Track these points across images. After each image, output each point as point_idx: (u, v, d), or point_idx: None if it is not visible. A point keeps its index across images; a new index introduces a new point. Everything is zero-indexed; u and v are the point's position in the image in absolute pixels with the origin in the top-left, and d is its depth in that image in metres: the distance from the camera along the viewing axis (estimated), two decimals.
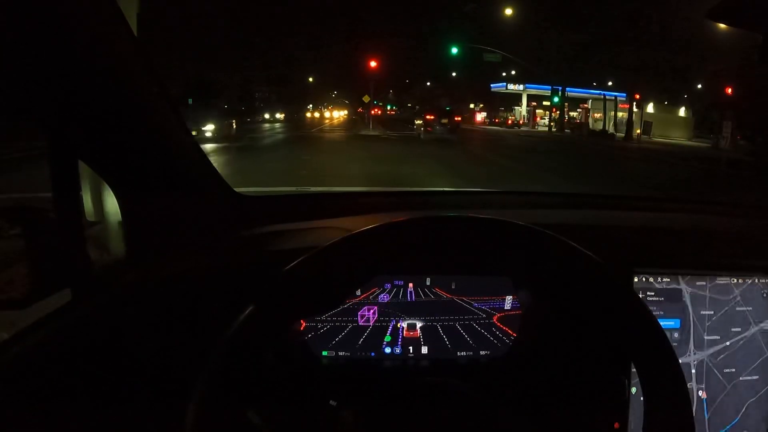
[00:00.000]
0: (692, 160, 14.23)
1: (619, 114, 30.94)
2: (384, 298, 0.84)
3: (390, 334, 0.85)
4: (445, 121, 17.39)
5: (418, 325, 0.85)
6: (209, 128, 13.76)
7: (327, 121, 41.02)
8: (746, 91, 17.52)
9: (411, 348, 0.85)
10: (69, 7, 0.50)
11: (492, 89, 39.01)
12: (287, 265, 0.49)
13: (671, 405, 0.49)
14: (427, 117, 17.60)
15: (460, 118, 21.10)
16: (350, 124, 33.69)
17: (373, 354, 0.85)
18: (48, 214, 0.67)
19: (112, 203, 0.84)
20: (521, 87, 36.19)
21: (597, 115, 33.35)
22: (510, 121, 38.25)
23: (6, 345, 0.63)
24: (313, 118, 46.14)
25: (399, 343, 0.85)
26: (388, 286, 0.84)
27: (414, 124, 20.75)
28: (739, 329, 0.86)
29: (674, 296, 0.85)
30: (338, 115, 51.16)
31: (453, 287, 0.85)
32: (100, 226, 0.90)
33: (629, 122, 25.36)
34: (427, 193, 1.45)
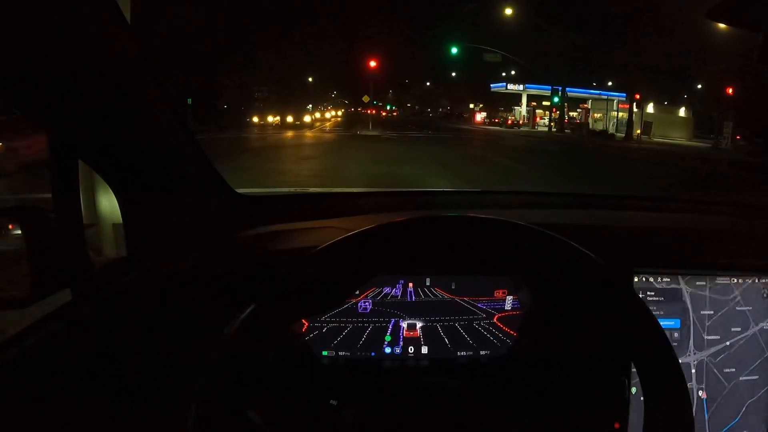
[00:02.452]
0: (692, 161, 14.23)
1: (619, 114, 30.98)
2: (383, 297, 0.84)
3: (390, 334, 0.85)
4: (383, 113, 53.82)
5: (418, 325, 0.85)
6: None
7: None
8: (746, 91, 17.51)
9: (411, 348, 0.85)
10: (69, 7, 0.50)
11: (492, 89, 39.07)
12: (287, 265, 0.49)
13: (671, 405, 0.49)
14: (382, 113, 50.14)
15: (396, 113, 62.83)
16: (347, 124, 31.90)
17: (373, 354, 0.85)
18: (48, 214, 0.67)
19: (111, 203, 0.84)
20: (521, 87, 36.26)
21: (597, 115, 33.40)
22: (510, 121, 38.31)
23: (6, 345, 0.63)
24: (269, 123, 29.44)
25: (399, 343, 0.85)
26: (388, 287, 0.84)
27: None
28: (739, 329, 0.86)
29: (674, 296, 0.85)
30: (314, 117, 35.44)
31: (453, 287, 0.85)
32: (100, 226, 0.90)
33: (629, 122, 25.37)
34: (427, 193, 1.45)
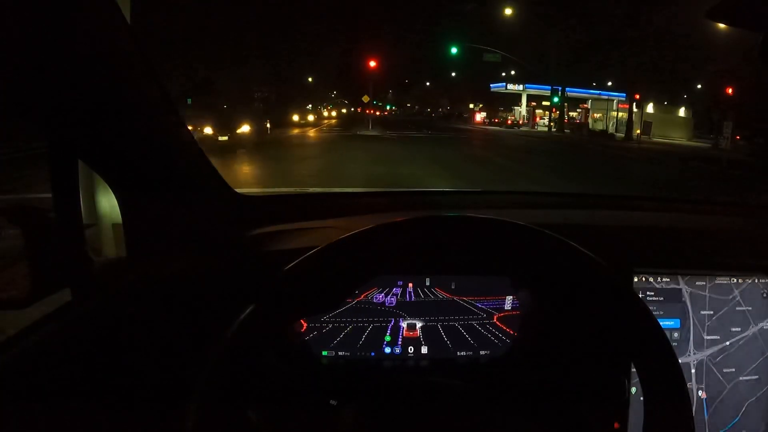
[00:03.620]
0: (692, 161, 14.24)
1: (619, 114, 31.01)
2: (383, 297, 0.84)
3: (390, 334, 0.85)
4: (378, 113, 47.73)
5: (418, 325, 0.85)
6: None
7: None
8: (746, 91, 17.52)
9: (411, 348, 0.85)
10: (68, 7, 0.50)
11: (492, 89, 39.08)
12: (287, 265, 0.49)
13: (671, 405, 0.49)
14: (377, 112, 43.37)
15: (386, 113, 66.12)
16: (346, 126, 29.19)
17: (373, 354, 0.85)
18: (48, 214, 0.67)
19: (111, 203, 0.84)
20: (521, 87, 36.27)
21: (597, 115, 33.43)
22: (509, 121, 38.34)
23: (6, 345, 0.63)
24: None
25: (399, 343, 0.85)
26: (388, 287, 0.84)
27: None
28: (739, 329, 0.86)
29: (674, 296, 0.85)
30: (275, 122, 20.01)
31: (453, 287, 0.85)
32: (100, 226, 0.90)
33: (629, 122, 25.38)
34: (426, 193, 1.45)
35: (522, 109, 38.28)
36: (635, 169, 12.18)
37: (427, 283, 0.84)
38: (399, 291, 0.84)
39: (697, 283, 0.85)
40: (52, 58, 0.54)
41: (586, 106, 33.43)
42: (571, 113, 33.98)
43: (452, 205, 1.21)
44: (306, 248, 0.50)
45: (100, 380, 0.67)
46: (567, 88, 28.59)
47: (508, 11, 27.71)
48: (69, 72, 0.56)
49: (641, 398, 0.52)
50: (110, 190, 0.79)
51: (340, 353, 0.84)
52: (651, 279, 0.84)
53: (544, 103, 34.41)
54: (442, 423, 0.61)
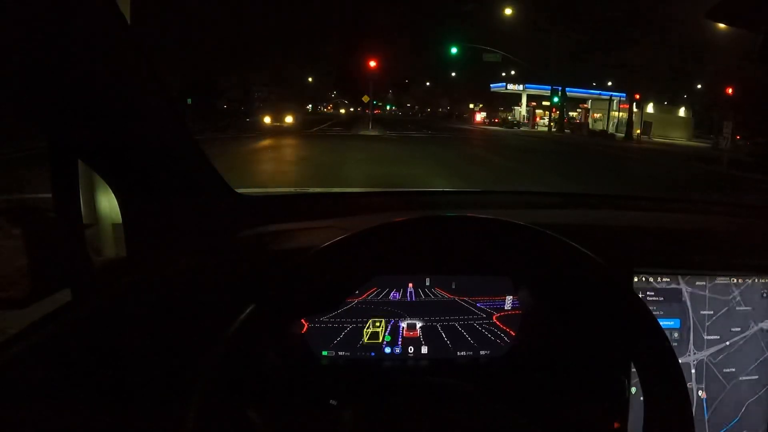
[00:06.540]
0: (692, 160, 14.25)
1: (619, 114, 31.05)
2: (384, 298, 0.84)
3: (390, 334, 0.85)
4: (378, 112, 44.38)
5: (418, 324, 0.85)
6: None
7: None
8: (746, 91, 17.51)
9: (411, 348, 0.85)
10: (68, 7, 0.50)
11: (492, 89, 39.12)
12: (287, 265, 0.49)
13: (671, 405, 0.49)
14: (368, 111, 32.36)
15: (378, 111, 62.03)
16: (347, 123, 29.56)
17: (373, 354, 0.85)
18: (48, 214, 0.67)
19: (111, 203, 0.84)
20: (521, 87, 36.31)
21: (597, 115, 33.48)
22: (509, 119, 38.44)
23: (6, 345, 0.63)
24: None
25: (399, 342, 0.85)
26: (388, 287, 0.84)
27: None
28: (739, 329, 0.86)
29: (674, 296, 0.85)
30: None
31: (453, 287, 0.85)
32: (100, 226, 0.90)
33: (629, 122, 25.40)
34: (427, 193, 1.45)
35: (522, 109, 38.31)
36: (635, 169, 12.17)
37: (427, 283, 0.84)
38: (399, 291, 0.84)
39: (697, 283, 0.85)
40: (53, 58, 0.54)
41: (586, 106, 33.47)
42: (571, 113, 34.00)
43: (452, 205, 1.21)
44: (306, 248, 0.50)
45: (100, 380, 0.67)
46: (567, 88, 28.60)
47: (508, 11, 27.74)
48: (69, 72, 0.56)
49: (641, 398, 0.52)
50: (110, 190, 0.79)
51: (340, 353, 0.84)
52: (651, 279, 0.84)
53: (544, 103, 34.44)
54: (442, 423, 0.61)
